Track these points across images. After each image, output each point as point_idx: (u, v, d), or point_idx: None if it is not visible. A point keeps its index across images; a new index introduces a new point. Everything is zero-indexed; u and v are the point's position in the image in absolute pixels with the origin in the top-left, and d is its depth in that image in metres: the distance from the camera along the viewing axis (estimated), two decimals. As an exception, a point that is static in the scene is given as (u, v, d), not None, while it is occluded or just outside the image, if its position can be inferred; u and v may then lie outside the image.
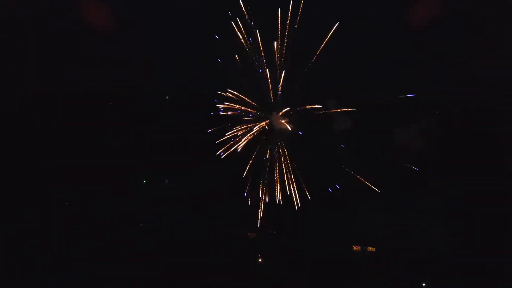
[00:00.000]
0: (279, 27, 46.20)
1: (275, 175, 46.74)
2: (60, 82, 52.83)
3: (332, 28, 45.71)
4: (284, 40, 46.32)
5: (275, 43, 45.67)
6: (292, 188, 45.43)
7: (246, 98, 47.76)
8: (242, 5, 45.11)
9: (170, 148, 51.85)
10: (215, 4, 51.32)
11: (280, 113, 47.60)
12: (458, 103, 52.08)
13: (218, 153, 46.33)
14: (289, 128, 46.27)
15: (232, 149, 46.25)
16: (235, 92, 47.02)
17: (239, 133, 46.91)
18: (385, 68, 53.56)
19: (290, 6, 45.70)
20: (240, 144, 46.58)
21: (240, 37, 46.22)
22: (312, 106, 47.58)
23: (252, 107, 48.43)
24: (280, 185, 45.82)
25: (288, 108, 47.25)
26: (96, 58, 53.64)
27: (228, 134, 46.66)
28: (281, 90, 47.71)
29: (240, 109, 47.97)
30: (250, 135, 47.11)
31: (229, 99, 47.58)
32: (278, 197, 45.21)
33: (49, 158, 49.03)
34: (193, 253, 43.81)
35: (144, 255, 43.57)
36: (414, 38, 51.81)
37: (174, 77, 55.40)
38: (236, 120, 48.27)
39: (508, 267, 39.76)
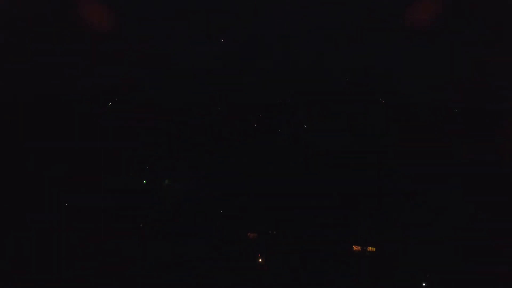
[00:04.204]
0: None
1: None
2: (59, 82, 52.89)
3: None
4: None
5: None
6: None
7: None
8: None
9: (170, 148, 51.87)
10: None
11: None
12: (458, 103, 52.22)
13: None
14: None
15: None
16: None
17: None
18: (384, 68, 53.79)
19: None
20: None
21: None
22: None
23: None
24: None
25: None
26: (96, 58, 53.70)
27: None
28: None
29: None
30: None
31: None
32: None
33: (49, 158, 49.02)
34: (193, 253, 43.75)
35: (143, 255, 43.51)
36: (414, 37, 51.95)
37: (174, 76, 55.57)
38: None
39: (508, 267, 39.74)
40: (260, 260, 43.79)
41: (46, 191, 47.09)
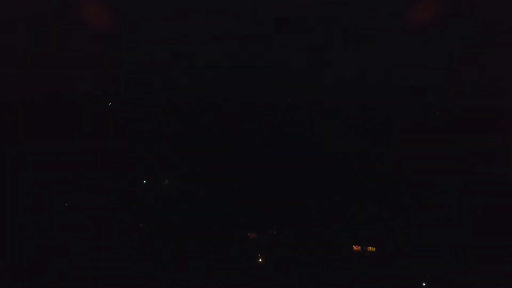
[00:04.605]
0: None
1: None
2: (59, 82, 52.91)
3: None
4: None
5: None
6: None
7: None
8: None
9: (170, 148, 51.87)
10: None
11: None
12: (458, 103, 52.19)
13: None
14: None
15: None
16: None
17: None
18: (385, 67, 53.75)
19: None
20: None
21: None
22: None
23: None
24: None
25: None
26: (97, 57, 53.71)
27: None
28: None
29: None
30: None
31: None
32: None
33: (49, 158, 49.00)
34: (193, 253, 43.74)
35: (143, 255, 43.49)
36: (414, 37, 51.89)
37: (175, 77, 55.56)
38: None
39: (508, 267, 39.71)
40: (260, 260, 43.81)
41: (46, 191, 47.10)
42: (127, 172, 50.06)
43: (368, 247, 44.11)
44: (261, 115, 54.22)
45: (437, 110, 53.03)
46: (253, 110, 54.33)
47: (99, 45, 52.88)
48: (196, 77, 55.49)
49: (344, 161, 50.39)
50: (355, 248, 44.36)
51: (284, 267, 42.56)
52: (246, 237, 46.02)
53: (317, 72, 55.13)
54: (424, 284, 40.79)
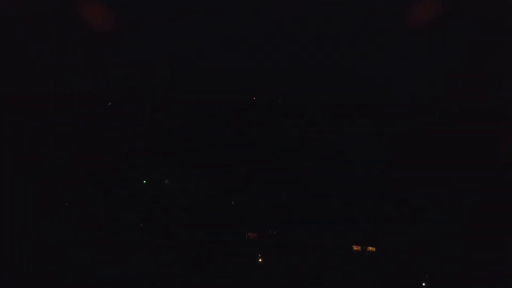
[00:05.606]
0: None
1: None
2: (59, 82, 52.96)
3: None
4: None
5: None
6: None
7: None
8: None
9: (170, 148, 51.89)
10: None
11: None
12: (458, 103, 52.23)
13: None
14: None
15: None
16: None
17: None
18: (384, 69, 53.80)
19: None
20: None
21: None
22: None
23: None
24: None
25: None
26: (96, 58, 53.75)
27: None
28: None
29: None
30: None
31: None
32: None
33: (49, 158, 49.04)
34: (193, 253, 43.76)
35: (143, 255, 43.50)
36: (414, 37, 51.95)
37: (173, 77, 55.62)
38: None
39: (508, 267, 39.72)
40: (260, 260, 43.83)
41: (46, 191, 47.11)
42: (127, 172, 50.10)
43: (368, 247, 44.13)
44: (261, 115, 54.27)
45: (437, 110, 53.10)
46: (253, 110, 54.40)
47: (99, 45, 52.91)
48: (196, 77, 55.53)
49: (344, 162, 50.42)
50: (355, 248, 44.39)
51: (284, 267, 42.57)
52: (246, 237, 46.06)
53: (316, 72, 55.17)
54: (424, 284, 40.80)
